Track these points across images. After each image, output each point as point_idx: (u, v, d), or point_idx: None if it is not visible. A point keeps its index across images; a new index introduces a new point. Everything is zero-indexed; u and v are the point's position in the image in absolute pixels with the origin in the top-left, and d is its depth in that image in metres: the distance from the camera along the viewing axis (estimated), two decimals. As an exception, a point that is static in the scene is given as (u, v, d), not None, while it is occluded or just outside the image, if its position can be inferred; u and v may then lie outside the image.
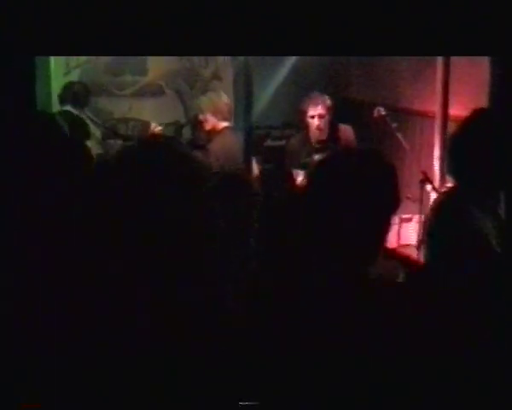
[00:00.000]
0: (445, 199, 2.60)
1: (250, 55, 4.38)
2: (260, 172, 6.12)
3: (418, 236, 5.18)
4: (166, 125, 6.97)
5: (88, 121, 6.13)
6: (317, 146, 5.21)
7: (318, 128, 5.24)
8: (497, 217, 2.42)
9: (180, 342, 1.18)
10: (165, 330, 1.18)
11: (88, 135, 5.82)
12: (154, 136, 5.46)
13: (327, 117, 5.28)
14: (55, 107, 6.21)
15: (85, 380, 1.10)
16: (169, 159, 1.36)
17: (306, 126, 5.31)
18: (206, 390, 1.20)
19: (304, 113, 5.29)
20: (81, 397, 1.10)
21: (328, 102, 5.30)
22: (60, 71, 6.61)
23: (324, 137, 5.28)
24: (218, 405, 1.23)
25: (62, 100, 5.94)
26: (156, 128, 5.70)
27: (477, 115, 2.62)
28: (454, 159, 2.54)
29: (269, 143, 5.80)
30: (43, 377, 1.12)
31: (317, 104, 5.25)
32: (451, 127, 5.70)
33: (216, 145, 5.30)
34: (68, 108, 5.85)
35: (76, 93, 5.94)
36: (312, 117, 5.25)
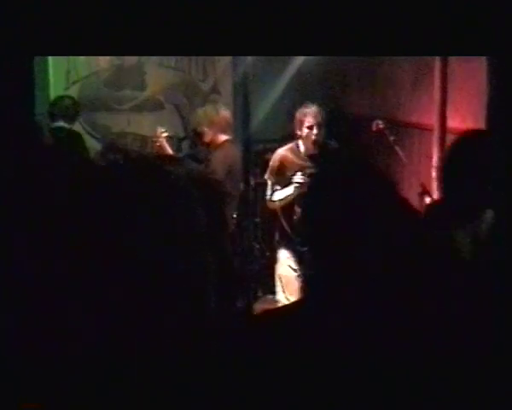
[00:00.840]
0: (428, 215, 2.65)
1: (252, 55, 4.35)
2: (254, 185, 6.11)
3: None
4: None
5: (87, 136, 6.14)
6: (308, 162, 5.06)
7: (315, 141, 5.07)
8: (476, 237, 2.45)
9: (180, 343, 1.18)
10: (164, 332, 1.19)
11: (85, 148, 5.79)
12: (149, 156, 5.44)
13: (323, 129, 5.13)
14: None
15: (85, 380, 1.10)
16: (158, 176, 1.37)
17: (300, 138, 5.16)
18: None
19: (301, 122, 5.13)
20: (81, 397, 1.10)
21: (324, 114, 5.15)
22: (59, 86, 6.64)
23: (316, 151, 5.10)
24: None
25: (53, 116, 5.77)
26: (162, 134, 5.64)
27: (470, 134, 2.66)
28: (446, 175, 2.57)
29: (269, 155, 5.81)
30: (43, 377, 1.12)
31: (315, 114, 5.06)
32: (450, 140, 5.73)
33: (216, 158, 5.27)
34: (60, 123, 5.74)
35: (67, 107, 5.82)
36: (310, 127, 5.05)
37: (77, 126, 6.39)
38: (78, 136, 5.84)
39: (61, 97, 6.05)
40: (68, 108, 5.81)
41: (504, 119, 4.41)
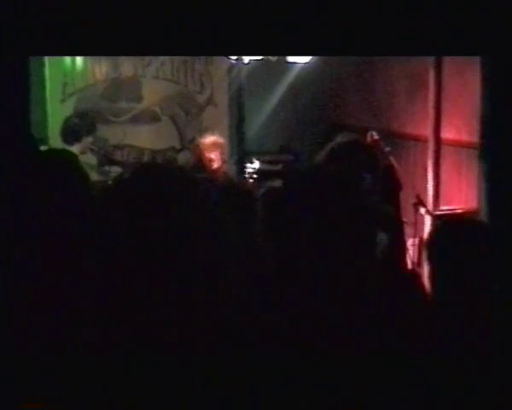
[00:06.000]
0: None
1: (249, 56, 4.35)
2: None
3: (413, 258, 5.21)
4: (162, 152, 7.04)
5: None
6: None
7: None
8: None
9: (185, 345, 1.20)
10: (172, 334, 1.20)
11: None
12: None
13: None
14: (51, 133, 6.26)
15: (86, 380, 1.11)
16: (170, 181, 1.39)
17: None
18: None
19: None
20: (82, 397, 1.11)
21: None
22: (56, 98, 6.65)
23: None
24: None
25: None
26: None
27: None
28: None
29: (263, 167, 5.83)
30: (43, 377, 1.13)
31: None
32: (444, 150, 5.76)
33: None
34: None
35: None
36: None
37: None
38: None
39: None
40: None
41: (497, 130, 4.44)
